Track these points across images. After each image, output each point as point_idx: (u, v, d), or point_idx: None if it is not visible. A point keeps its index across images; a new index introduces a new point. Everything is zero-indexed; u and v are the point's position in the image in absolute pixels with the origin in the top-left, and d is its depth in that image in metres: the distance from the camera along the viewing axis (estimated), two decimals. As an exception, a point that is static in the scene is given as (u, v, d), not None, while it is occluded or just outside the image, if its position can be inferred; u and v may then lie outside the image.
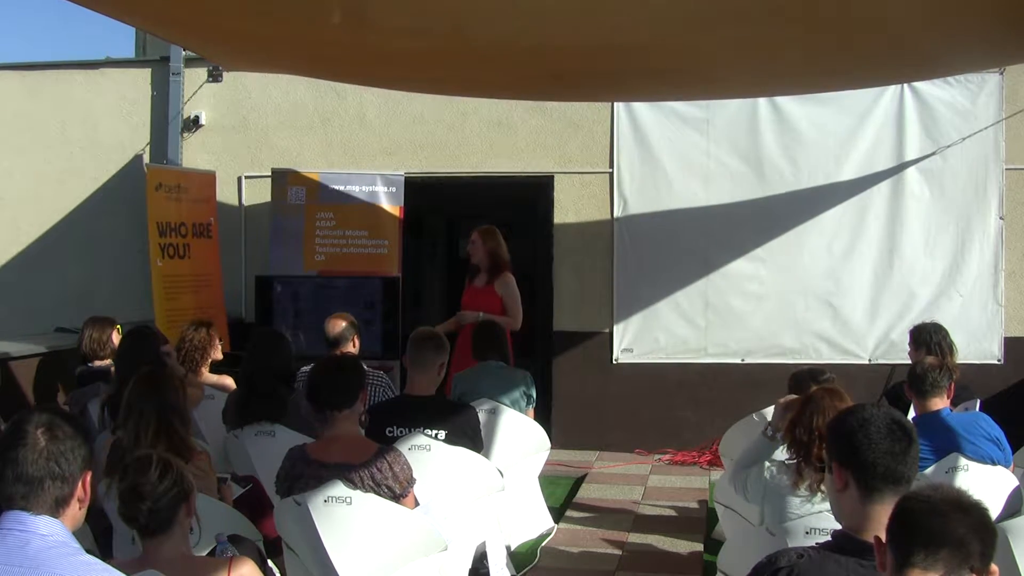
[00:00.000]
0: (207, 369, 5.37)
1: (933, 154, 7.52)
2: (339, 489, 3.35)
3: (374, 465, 3.50)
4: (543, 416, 6.71)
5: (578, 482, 6.83)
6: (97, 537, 3.75)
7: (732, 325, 7.72)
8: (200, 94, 8.33)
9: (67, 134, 8.55)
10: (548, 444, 5.50)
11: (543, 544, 5.39)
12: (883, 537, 1.92)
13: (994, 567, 1.83)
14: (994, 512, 2.63)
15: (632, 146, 7.84)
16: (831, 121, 7.60)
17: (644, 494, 6.55)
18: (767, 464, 3.47)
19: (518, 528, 5.33)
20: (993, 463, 4.17)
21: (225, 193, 8.17)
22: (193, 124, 8.34)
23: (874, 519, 2.15)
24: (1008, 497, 3.88)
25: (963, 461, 4.09)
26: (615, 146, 7.87)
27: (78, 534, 2.17)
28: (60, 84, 8.61)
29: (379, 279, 7.43)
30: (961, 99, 7.49)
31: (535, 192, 8.10)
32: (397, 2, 3.98)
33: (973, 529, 1.83)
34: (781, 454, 3.54)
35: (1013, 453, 4.36)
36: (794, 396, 3.87)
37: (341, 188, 7.68)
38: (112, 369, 5.11)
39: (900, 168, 7.56)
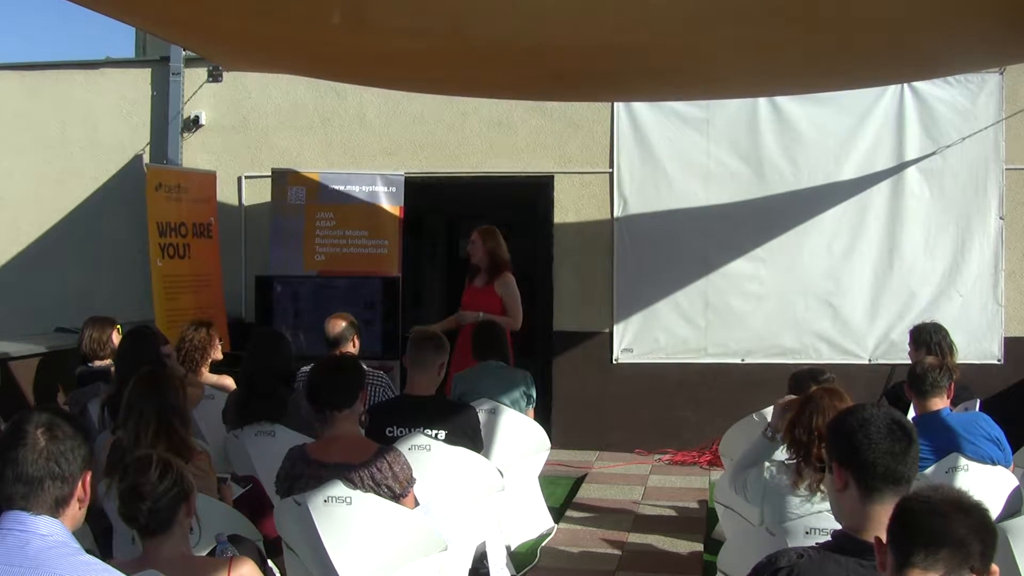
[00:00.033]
0: (207, 369, 5.38)
1: (933, 154, 7.51)
2: (339, 489, 3.35)
3: (374, 465, 3.50)
4: (543, 416, 6.71)
5: (578, 482, 6.83)
6: (97, 537, 3.74)
7: (732, 325, 7.71)
8: (200, 94, 8.33)
9: (67, 134, 8.55)
10: (548, 444, 5.51)
11: (543, 544, 5.38)
12: (883, 537, 1.92)
13: (994, 567, 1.83)
14: (994, 512, 2.63)
15: (632, 146, 7.83)
16: (831, 121, 7.60)
17: (644, 494, 6.55)
18: (767, 464, 3.46)
19: (518, 528, 5.33)
20: (993, 463, 4.17)
21: (225, 193, 8.17)
22: (193, 124, 8.33)
23: (874, 519, 2.16)
24: (1008, 497, 3.87)
25: (963, 461, 4.09)
26: (615, 146, 7.86)
27: (78, 534, 2.17)
28: (60, 84, 8.61)
29: (379, 279, 7.43)
30: (961, 99, 7.48)
31: (535, 192, 8.10)
32: (397, 2, 3.98)
33: (973, 529, 1.83)
34: (781, 454, 3.53)
35: (1013, 453, 4.36)
36: (793, 396, 3.87)
37: (341, 188, 7.68)
38: (112, 369, 5.11)
39: (900, 168, 7.55)
